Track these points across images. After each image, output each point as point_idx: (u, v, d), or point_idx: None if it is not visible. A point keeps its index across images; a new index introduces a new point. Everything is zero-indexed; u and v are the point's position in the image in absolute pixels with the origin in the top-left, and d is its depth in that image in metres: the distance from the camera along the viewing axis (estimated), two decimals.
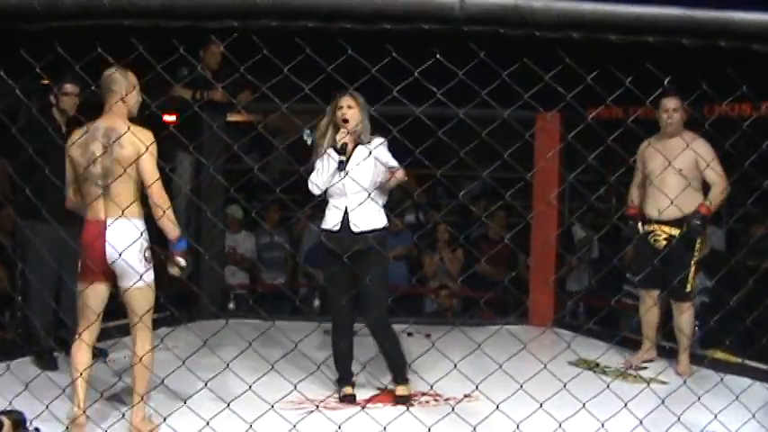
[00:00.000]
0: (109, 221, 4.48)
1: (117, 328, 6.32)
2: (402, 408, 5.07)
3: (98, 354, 6.05)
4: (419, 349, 5.40)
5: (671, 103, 6.21)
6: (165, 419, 3.90)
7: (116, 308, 5.82)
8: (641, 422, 4.03)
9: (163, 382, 4.02)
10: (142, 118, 4.59)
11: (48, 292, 5.73)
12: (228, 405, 3.77)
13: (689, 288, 6.27)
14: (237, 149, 5.63)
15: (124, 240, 4.39)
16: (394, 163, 5.28)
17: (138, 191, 4.52)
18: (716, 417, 4.23)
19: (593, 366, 6.32)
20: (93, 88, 4.53)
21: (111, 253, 4.45)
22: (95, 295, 4.63)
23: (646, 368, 6.40)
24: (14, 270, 6.61)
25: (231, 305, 8.63)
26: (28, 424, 4.45)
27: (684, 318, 6.28)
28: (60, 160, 4.69)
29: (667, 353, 6.63)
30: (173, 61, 3.66)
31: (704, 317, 7.25)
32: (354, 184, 5.27)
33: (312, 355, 4.16)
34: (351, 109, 5.32)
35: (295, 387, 3.87)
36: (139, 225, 4.51)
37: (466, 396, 5.30)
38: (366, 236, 5.26)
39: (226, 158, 8.40)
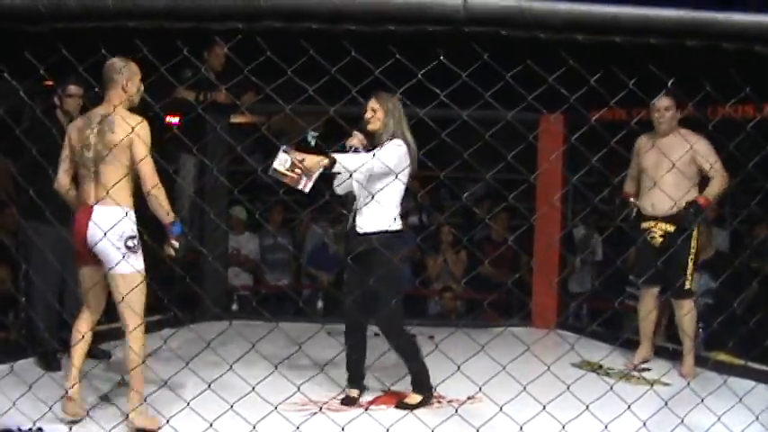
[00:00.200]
0: (96, 206, 4.56)
1: (120, 330, 6.34)
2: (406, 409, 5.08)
3: (102, 355, 6.07)
4: (423, 351, 5.41)
5: (661, 102, 6.23)
6: (168, 420, 3.90)
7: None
8: (644, 424, 4.03)
9: (166, 383, 4.02)
10: (146, 118, 4.59)
11: (51, 293, 5.74)
12: (232, 406, 3.77)
13: (688, 285, 6.26)
14: (241, 151, 5.62)
15: (106, 225, 4.44)
16: (373, 163, 5.14)
17: (131, 179, 4.58)
18: (719, 419, 4.23)
19: (596, 368, 6.32)
20: (96, 90, 4.54)
21: (91, 237, 4.54)
22: (88, 278, 4.73)
23: (649, 369, 6.39)
24: (18, 271, 6.61)
25: (234, 306, 8.64)
26: (32, 425, 4.46)
27: (686, 317, 6.26)
28: None
29: (671, 354, 6.63)
30: (176, 63, 3.66)
31: (708, 319, 7.24)
32: (360, 186, 5.29)
33: (316, 357, 4.16)
34: (374, 112, 5.32)
35: (298, 388, 3.87)
36: (127, 212, 4.55)
37: (469, 398, 5.29)
38: (370, 237, 5.24)
39: (229, 160, 8.40)
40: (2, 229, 7.68)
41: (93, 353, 5.77)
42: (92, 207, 4.58)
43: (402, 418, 4.34)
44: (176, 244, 4.69)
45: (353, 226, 5.33)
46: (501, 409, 3.82)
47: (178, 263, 7.54)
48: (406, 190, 5.42)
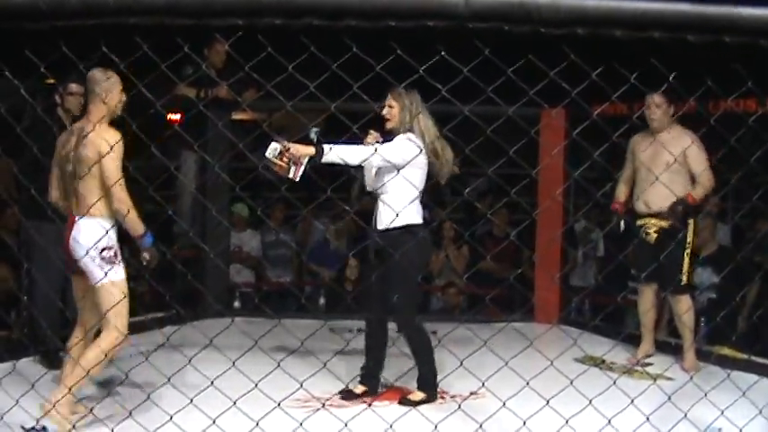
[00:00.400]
0: (77, 219, 4.66)
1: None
2: (409, 405, 5.08)
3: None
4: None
5: (652, 98, 6.23)
6: (171, 417, 3.90)
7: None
8: (648, 419, 4.03)
9: (169, 380, 4.01)
10: (146, 116, 4.58)
11: (53, 291, 5.74)
12: (235, 403, 3.76)
13: (684, 280, 6.26)
14: (243, 148, 5.63)
15: (84, 238, 4.58)
16: (369, 156, 5.17)
17: (102, 189, 4.61)
18: (722, 413, 4.23)
19: (599, 363, 6.32)
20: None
21: (72, 249, 4.66)
22: (78, 288, 4.85)
23: (652, 364, 6.39)
24: (20, 269, 6.61)
25: (236, 303, 8.63)
26: (35, 423, 4.46)
27: (683, 311, 6.26)
28: None
29: (673, 349, 6.63)
30: (177, 60, 3.66)
31: (710, 313, 7.24)
32: (376, 182, 5.36)
33: (318, 353, 4.16)
34: (391, 108, 5.33)
35: (301, 385, 3.87)
36: (104, 224, 4.61)
37: (472, 393, 5.29)
38: (385, 234, 5.25)
39: (231, 157, 8.39)
40: (4, 227, 7.69)
41: None
42: (74, 220, 4.68)
43: (405, 414, 4.33)
44: (146, 255, 4.72)
45: (375, 223, 5.35)
46: (504, 404, 3.82)
47: (180, 260, 7.57)
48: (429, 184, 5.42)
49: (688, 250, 6.25)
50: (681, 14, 2.52)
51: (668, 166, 5.94)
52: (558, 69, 3.23)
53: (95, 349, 4.58)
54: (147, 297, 8.44)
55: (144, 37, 3.11)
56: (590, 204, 9.07)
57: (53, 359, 5.81)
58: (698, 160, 6.12)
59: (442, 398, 5.39)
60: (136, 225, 4.63)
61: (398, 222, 5.19)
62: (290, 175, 5.10)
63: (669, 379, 5.72)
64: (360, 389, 5.44)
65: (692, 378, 4.71)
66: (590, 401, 3.85)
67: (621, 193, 6.61)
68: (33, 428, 4.46)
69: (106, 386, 5.23)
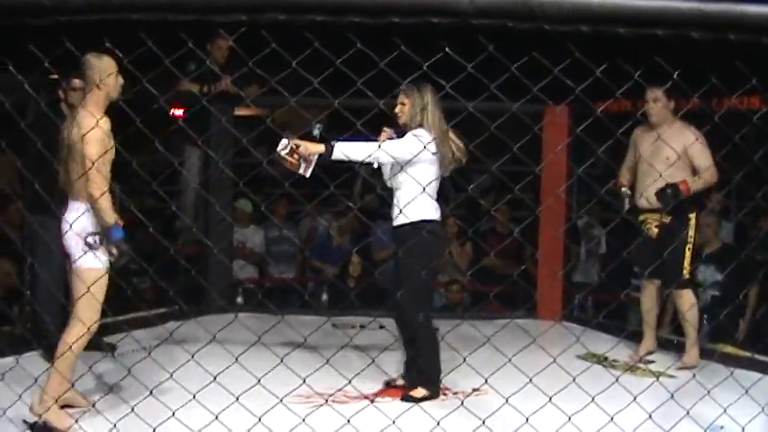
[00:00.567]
0: (69, 202, 4.65)
1: (126, 322, 6.35)
2: (411, 402, 5.08)
3: (107, 348, 6.07)
4: None
5: (651, 93, 6.22)
6: (173, 413, 3.90)
7: (124, 302, 5.84)
8: (650, 416, 4.03)
9: (172, 375, 4.01)
10: (149, 111, 4.58)
11: (56, 286, 5.74)
12: (237, 399, 3.77)
13: (686, 274, 6.25)
14: (246, 143, 5.63)
15: (69, 220, 4.55)
16: (386, 148, 5.21)
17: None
18: (725, 410, 4.23)
19: (601, 360, 6.32)
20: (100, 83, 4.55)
21: (63, 233, 4.65)
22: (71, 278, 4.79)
23: (654, 362, 6.39)
24: (23, 264, 6.62)
25: (239, 299, 8.63)
26: (37, 418, 4.47)
27: (686, 307, 6.25)
28: None
29: (676, 346, 6.62)
30: (180, 56, 3.66)
31: (713, 311, 7.24)
32: (392, 179, 5.39)
33: (321, 350, 4.17)
34: (402, 105, 5.34)
35: (304, 381, 3.87)
36: (87, 209, 4.57)
37: (475, 390, 5.29)
38: (399, 229, 5.28)
39: (234, 153, 8.39)
40: (7, 222, 7.70)
41: (98, 345, 5.78)
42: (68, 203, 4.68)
43: (408, 411, 4.34)
44: (113, 251, 4.62)
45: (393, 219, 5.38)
46: (507, 401, 3.82)
47: (183, 255, 7.57)
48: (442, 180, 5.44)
49: (689, 245, 6.22)
50: (684, 11, 2.52)
51: (668, 162, 5.93)
52: (561, 66, 3.23)
53: (70, 337, 4.55)
54: (149, 292, 8.46)
55: (146, 33, 3.11)
56: (593, 201, 9.06)
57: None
58: (702, 155, 6.08)
59: (445, 394, 5.39)
60: (105, 214, 4.51)
61: (412, 218, 5.21)
62: (301, 172, 5.16)
63: (672, 377, 5.72)
64: (400, 381, 5.50)
65: (694, 376, 4.71)
66: (593, 398, 3.85)
67: (624, 177, 6.58)
68: (35, 423, 4.47)
69: (108, 381, 5.24)
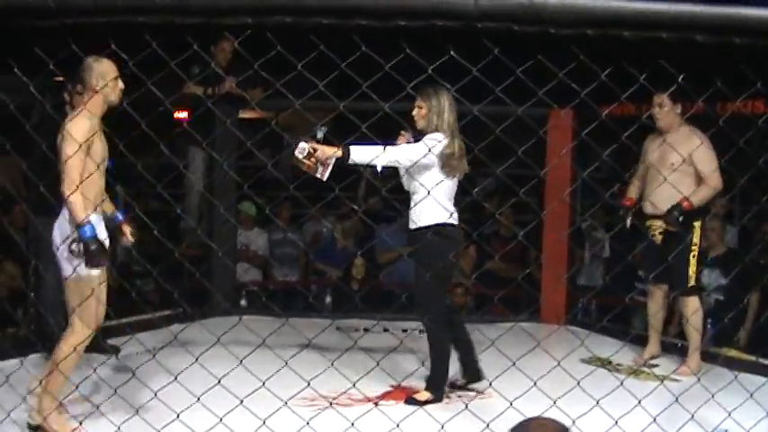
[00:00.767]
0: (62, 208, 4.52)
1: (130, 325, 6.35)
2: (415, 405, 5.08)
3: (111, 350, 6.08)
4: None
5: (657, 98, 6.19)
6: (178, 416, 3.90)
7: (128, 305, 5.85)
8: (655, 420, 4.02)
9: (176, 378, 4.02)
10: (153, 115, 4.59)
11: (61, 288, 5.74)
12: (242, 402, 3.77)
13: (691, 282, 6.23)
14: (251, 146, 5.64)
15: (56, 228, 4.47)
16: (398, 149, 5.26)
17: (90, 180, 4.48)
18: (729, 414, 4.22)
19: (606, 364, 6.31)
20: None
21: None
22: None
23: (658, 366, 6.39)
24: (28, 267, 6.63)
25: (243, 302, 8.63)
26: (42, 420, 4.47)
27: (690, 313, 6.24)
28: None
29: (680, 351, 6.61)
30: (184, 58, 3.66)
31: (718, 315, 7.23)
32: (408, 182, 5.43)
33: (325, 352, 4.17)
34: (420, 109, 5.36)
35: (308, 384, 3.87)
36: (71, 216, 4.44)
37: (479, 393, 5.30)
38: (415, 233, 5.32)
39: (238, 155, 8.39)
40: (12, 225, 7.71)
41: (102, 348, 5.79)
42: None
43: (412, 414, 4.33)
44: (74, 247, 4.46)
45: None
46: (511, 404, 3.81)
47: (187, 258, 7.57)
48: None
49: (694, 252, 6.21)
50: (689, 15, 2.52)
51: (673, 167, 5.91)
52: (566, 70, 3.23)
53: (65, 347, 4.46)
54: (153, 295, 8.47)
55: (150, 35, 3.11)
56: (598, 205, 9.05)
57: None
58: (706, 161, 6.05)
59: (448, 397, 5.39)
60: (77, 211, 4.37)
61: (428, 222, 5.25)
62: (318, 175, 5.19)
63: (676, 380, 5.71)
64: (462, 381, 5.54)
65: (699, 379, 4.71)
66: (597, 402, 3.85)
67: (632, 191, 6.58)
68: (40, 426, 4.47)
69: (113, 383, 5.24)
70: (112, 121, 4.72)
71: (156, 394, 4.21)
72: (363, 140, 4.99)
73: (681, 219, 6.03)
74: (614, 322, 7.53)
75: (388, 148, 5.20)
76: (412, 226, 5.32)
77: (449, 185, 5.31)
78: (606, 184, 8.41)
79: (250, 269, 9.31)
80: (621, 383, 4.11)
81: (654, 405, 4.16)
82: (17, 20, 2.55)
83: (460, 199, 5.57)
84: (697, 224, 6.21)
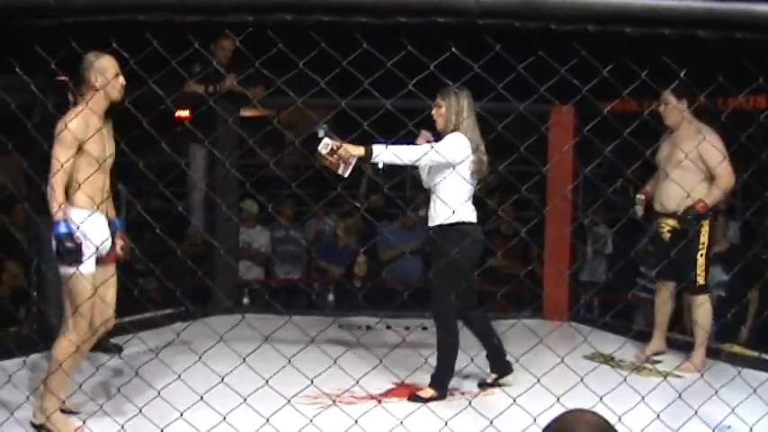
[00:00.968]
0: None
1: (132, 324, 6.35)
2: (418, 402, 5.08)
3: (113, 349, 6.08)
4: (435, 344, 5.40)
5: (663, 95, 6.16)
6: (181, 414, 3.91)
7: (131, 303, 5.85)
8: (658, 416, 4.02)
9: (179, 376, 4.02)
10: (154, 113, 4.58)
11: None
12: (245, 400, 3.77)
13: (701, 281, 6.21)
14: (253, 144, 5.63)
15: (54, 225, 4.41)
16: (419, 149, 5.29)
17: (74, 178, 4.47)
18: (733, 410, 4.22)
19: (609, 360, 6.31)
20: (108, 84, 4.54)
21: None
22: None
23: (661, 362, 6.38)
24: (30, 266, 6.63)
25: (245, 300, 8.63)
26: (44, 419, 4.47)
27: (699, 312, 6.23)
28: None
29: (684, 347, 6.61)
30: (185, 57, 3.66)
31: (720, 310, 7.22)
32: (429, 181, 5.47)
33: (328, 350, 4.16)
34: (439, 108, 5.38)
35: (312, 382, 3.87)
36: (69, 213, 4.43)
37: (482, 390, 5.30)
38: (437, 230, 5.33)
39: (240, 153, 8.39)
40: (14, 224, 7.71)
41: (104, 347, 5.79)
42: None
43: (415, 411, 4.33)
44: (54, 244, 4.43)
45: (427, 219, 5.45)
46: (515, 401, 3.82)
47: (189, 256, 7.57)
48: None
49: (702, 251, 6.18)
50: (691, 11, 2.51)
51: (679, 165, 5.90)
52: (568, 66, 3.22)
53: (62, 346, 4.47)
54: (156, 293, 8.47)
55: (151, 34, 3.11)
56: (600, 202, 9.05)
57: None
58: (713, 156, 5.96)
59: (452, 394, 5.39)
60: (52, 207, 4.35)
61: (450, 219, 5.26)
62: (339, 172, 5.22)
63: (679, 377, 5.71)
64: (492, 377, 5.54)
65: (702, 375, 4.70)
66: (600, 398, 3.84)
67: (650, 184, 6.56)
68: (42, 424, 4.47)
69: (116, 382, 5.24)
70: (114, 120, 4.71)
71: (159, 393, 4.21)
72: (365, 138, 5.01)
73: (696, 220, 6.02)
74: (617, 318, 7.54)
75: (412, 147, 5.22)
76: (432, 223, 5.33)
77: (470, 184, 5.33)
78: (608, 180, 8.40)
79: (252, 267, 9.32)
80: (625, 380, 4.10)
81: (657, 401, 4.16)
82: (18, 19, 2.54)
83: None
84: (705, 224, 6.17)
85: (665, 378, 4.76)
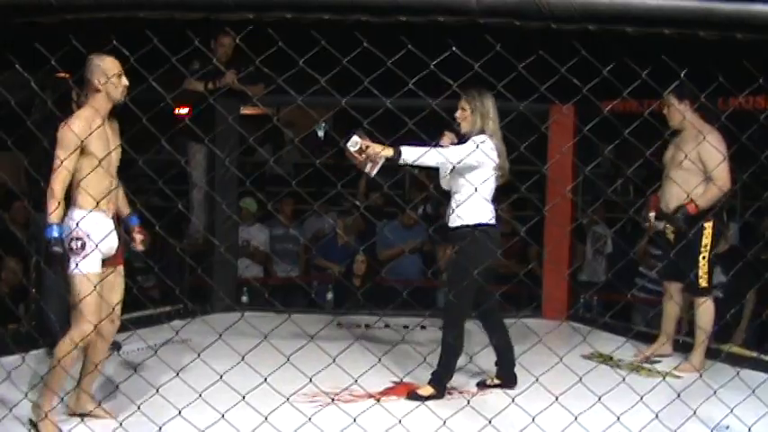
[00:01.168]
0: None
1: (132, 321, 6.34)
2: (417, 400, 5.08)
3: (112, 346, 6.07)
4: (433, 343, 5.40)
5: (666, 97, 6.13)
6: (180, 412, 3.90)
7: (130, 301, 5.83)
8: (657, 416, 4.02)
9: (178, 374, 4.01)
10: (154, 110, 4.57)
11: (62, 284, 5.74)
12: (244, 398, 3.77)
13: (703, 283, 6.20)
14: (252, 142, 5.63)
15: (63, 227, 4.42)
16: (442, 158, 5.25)
17: (78, 180, 4.46)
18: (731, 411, 4.22)
19: (608, 360, 6.31)
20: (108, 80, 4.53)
21: None
22: None
23: (660, 362, 6.38)
24: (29, 262, 6.62)
25: (244, 298, 8.63)
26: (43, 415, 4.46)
27: (700, 313, 6.23)
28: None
29: (683, 347, 6.61)
30: (185, 54, 3.65)
31: (718, 311, 7.21)
32: (450, 182, 5.46)
33: (327, 348, 4.16)
34: (463, 111, 5.38)
35: (310, 380, 3.87)
36: (72, 214, 4.44)
37: (480, 389, 5.29)
38: (455, 232, 5.32)
39: (240, 151, 8.39)
40: (13, 221, 7.70)
41: None
42: None
43: (414, 410, 4.33)
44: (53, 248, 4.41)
45: (447, 220, 5.44)
46: (513, 400, 3.82)
47: (188, 254, 7.57)
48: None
49: (705, 254, 6.15)
50: (691, 11, 2.51)
51: (681, 166, 5.89)
52: (568, 66, 3.22)
53: (64, 346, 4.43)
54: (155, 291, 8.46)
55: (150, 31, 3.10)
56: (600, 201, 9.05)
57: None
58: (710, 158, 5.94)
59: (450, 393, 5.38)
60: (49, 210, 4.36)
61: (469, 221, 5.27)
62: (366, 170, 5.22)
63: (678, 377, 5.70)
64: (494, 381, 5.52)
65: (701, 376, 4.70)
66: (599, 398, 3.85)
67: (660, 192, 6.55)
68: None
69: (114, 380, 5.24)
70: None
71: (157, 390, 4.21)
72: (368, 137, 5.02)
73: (685, 220, 5.99)
74: (616, 318, 7.54)
75: (438, 150, 5.22)
76: (453, 224, 5.33)
77: (491, 186, 5.35)
78: (608, 179, 8.40)
79: (251, 265, 9.31)
80: (624, 379, 4.11)
81: (656, 401, 4.16)
82: (19, 16, 2.54)
83: None
84: (708, 226, 6.13)
85: (664, 378, 4.77)
